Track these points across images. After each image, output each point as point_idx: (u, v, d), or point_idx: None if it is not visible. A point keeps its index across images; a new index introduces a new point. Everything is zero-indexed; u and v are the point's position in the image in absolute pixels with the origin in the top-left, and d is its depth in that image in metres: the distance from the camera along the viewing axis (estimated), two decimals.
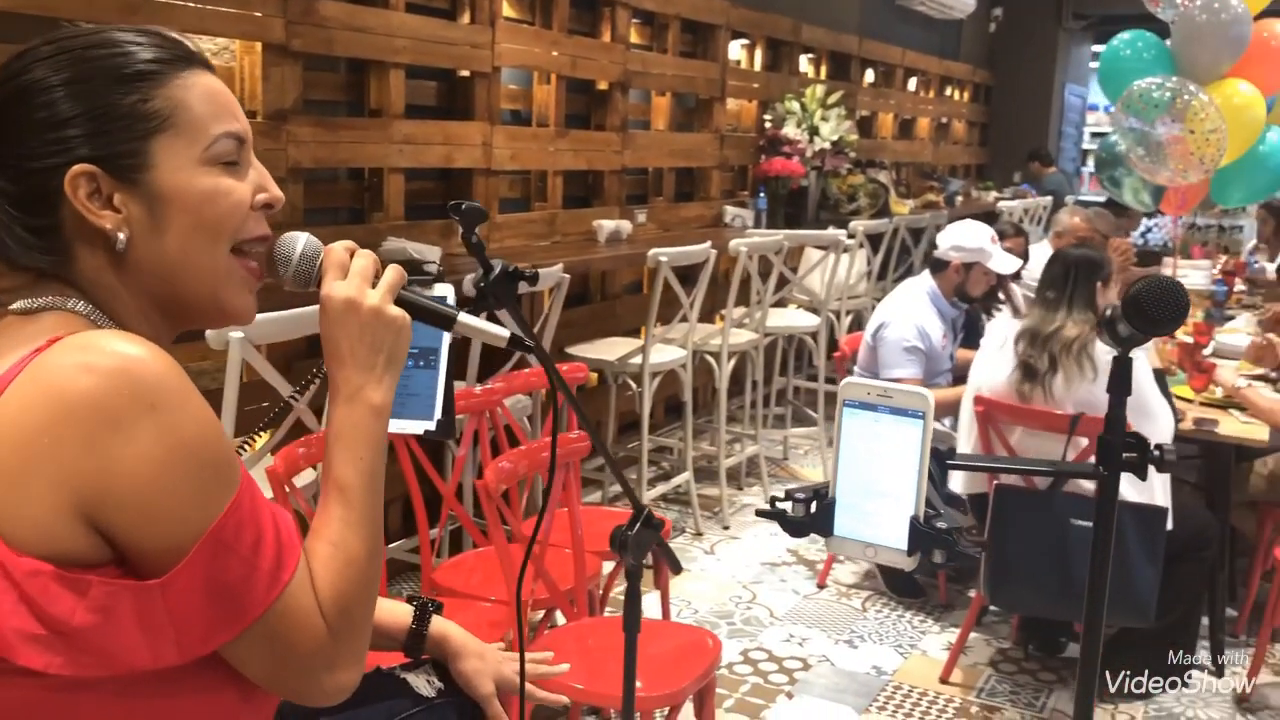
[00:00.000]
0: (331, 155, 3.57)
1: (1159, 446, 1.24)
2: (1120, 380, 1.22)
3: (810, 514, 1.10)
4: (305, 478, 2.41)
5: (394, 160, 3.80)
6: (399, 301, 1.09)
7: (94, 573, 0.86)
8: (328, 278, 1.07)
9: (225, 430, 0.95)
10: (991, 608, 3.46)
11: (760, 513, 1.17)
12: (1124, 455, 1.21)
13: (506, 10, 4.37)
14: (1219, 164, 4.29)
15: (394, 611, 1.36)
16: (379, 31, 3.68)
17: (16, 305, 0.96)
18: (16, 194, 0.95)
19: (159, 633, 0.87)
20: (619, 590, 3.41)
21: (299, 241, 1.09)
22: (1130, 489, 2.88)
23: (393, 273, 1.10)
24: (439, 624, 1.36)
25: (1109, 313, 1.26)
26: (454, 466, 3.03)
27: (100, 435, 0.85)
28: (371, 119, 3.77)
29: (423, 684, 1.29)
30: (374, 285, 1.08)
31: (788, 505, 1.12)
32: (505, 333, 1.22)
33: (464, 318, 1.16)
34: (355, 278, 1.07)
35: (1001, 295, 4.26)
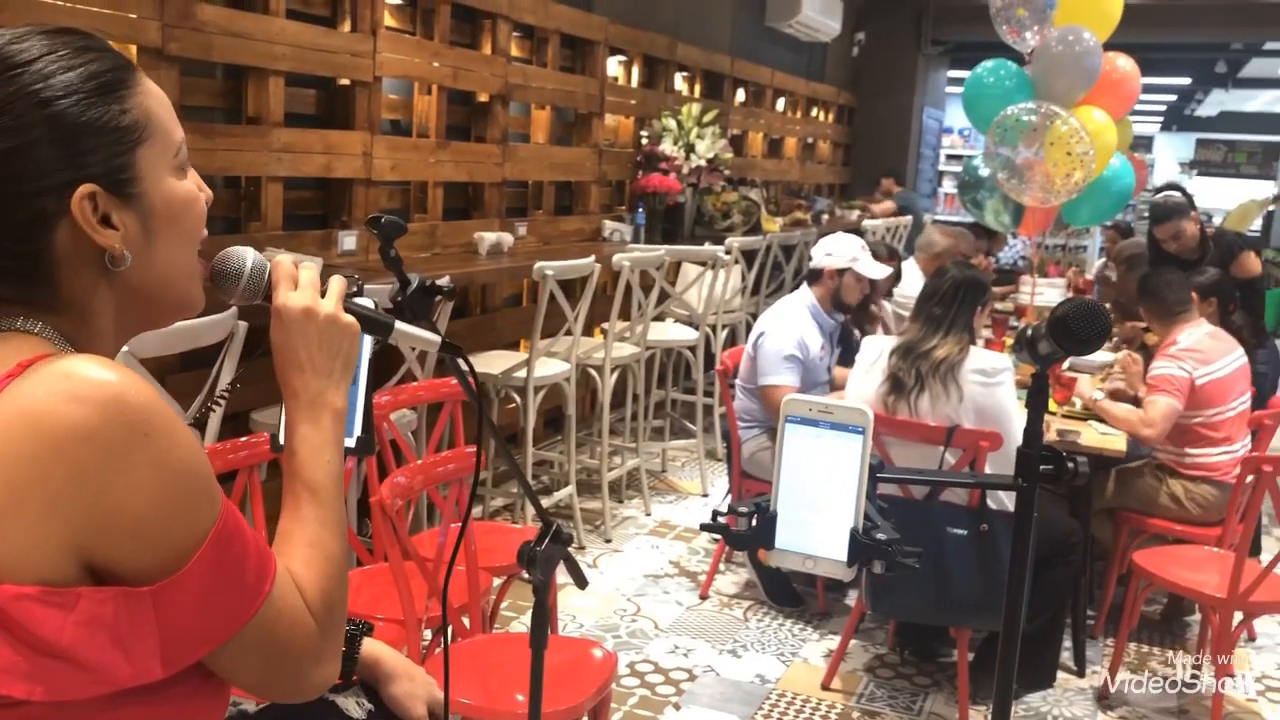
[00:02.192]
0: (208, 163, 3.46)
1: (1074, 460, 1.31)
2: (1038, 396, 1.29)
3: (752, 527, 1.13)
4: None
5: (272, 169, 3.71)
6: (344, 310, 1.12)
7: (80, 587, 0.83)
8: (281, 288, 1.09)
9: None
10: (869, 615, 3.57)
11: (704, 526, 1.20)
12: (1041, 468, 1.28)
13: (388, 20, 4.32)
14: (1085, 185, 4.54)
15: None
16: (259, 38, 3.60)
17: None
18: (3, 222, 0.91)
19: (144, 644, 0.85)
20: (506, 606, 3.40)
21: (247, 257, 1.10)
22: (1003, 498, 3.02)
23: (338, 282, 1.13)
24: (369, 646, 1.34)
25: (1029, 332, 1.33)
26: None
27: (94, 468, 0.82)
28: (249, 126, 3.67)
29: (352, 706, 1.27)
30: (323, 295, 1.10)
31: (731, 519, 1.15)
32: (437, 339, 1.23)
33: (400, 325, 1.20)
34: (308, 288, 1.09)
35: (874, 312, 4.41)
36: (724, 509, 1.19)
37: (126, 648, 0.84)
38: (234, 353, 2.67)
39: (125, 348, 2.19)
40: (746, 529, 1.13)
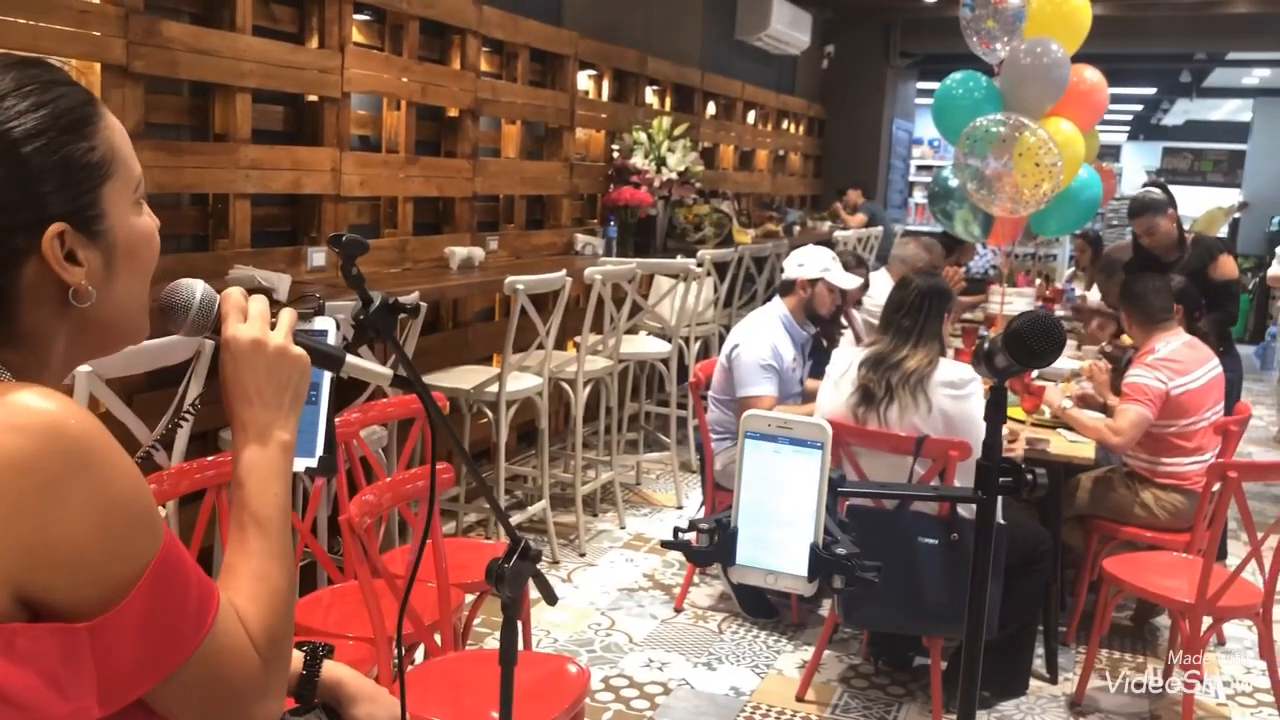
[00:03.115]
0: (175, 180, 3.45)
1: (1033, 471, 1.32)
2: (996, 410, 1.30)
3: (713, 543, 1.13)
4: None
5: (240, 186, 3.69)
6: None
7: (13, 624, 0.81)
8: (230, 321, 1.08)
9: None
10: (842, 626, 3.58)
11: (665, 543, 1.20)
12: (1001, 480, 1.29)
13: (356, 36, 4.31)
14: (1054, 196, 4.58)
15: None
16: (225, 55, 3.58)
17: None
18: None
19: (81, 683, 0.83)
20: (479, 622, 3.38)
21: (196, 289, 1.10)
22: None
23: (288, 314, 1.12)
24: (331, 668, 1.32)
25: (987, 345, 1.34)
26: (309, 500, 2.95)
27: (31, 499, 0.81)
28: (217, 143, 3.66)
29: None
30: (273, 327, 1.09)
31: (691, 536, 1.15)
32: (389, 373, 1.23)
33: (351, 359, 1.20)
34: (257, 319, 1.08)
35: (844, 321, 4.43)
36: (685, 525, 1.19)
37: (62, 686, 0.82)
38: (200, 371, 2.65)
39: (88, 367, 2.19)
40: (707, 545, 1.13)
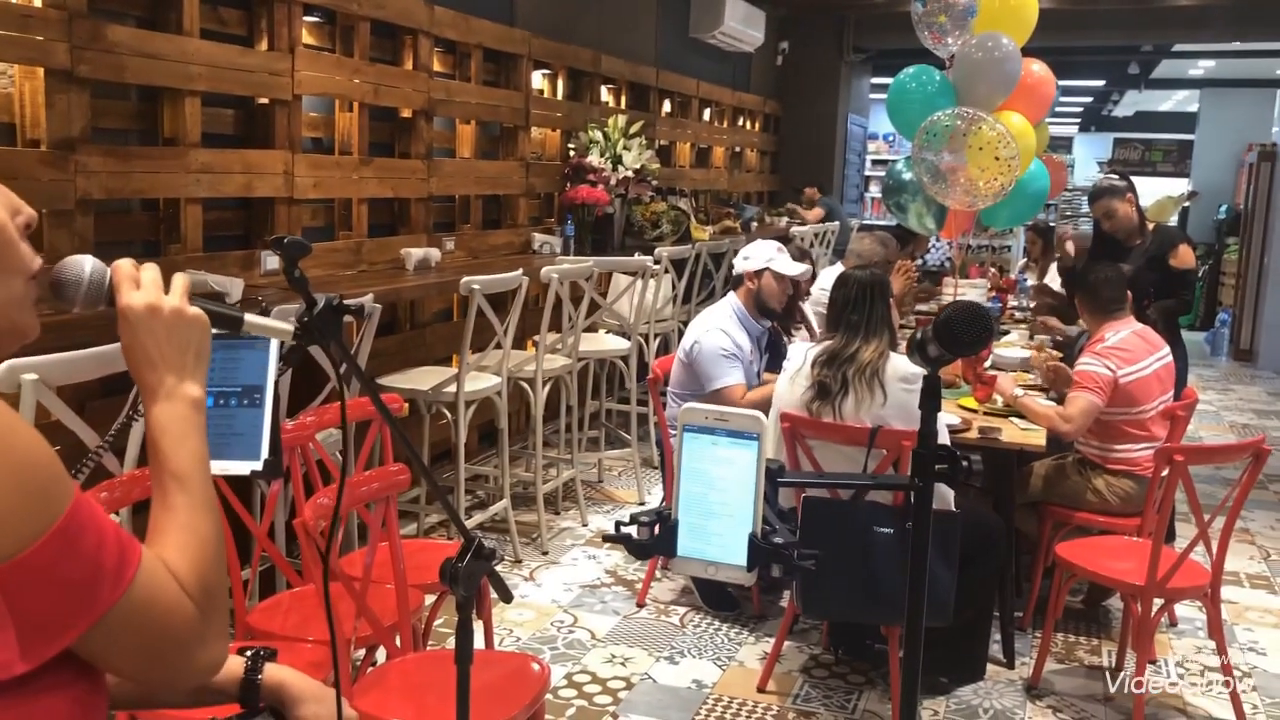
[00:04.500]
0: (124, 185, 3.41)
1: (966, 457, 1.35)
2: (929, 397, 1.33)
3: (654, 536, 1.15)
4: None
5: (191, 190, 3.67)
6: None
7: None
8: (123, 289, 1.10)
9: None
10: (803, 616, 3.61)
11: (607, 537, 1.21)
12: (936, 467, 1.32)
13: (306, 37, 4.29)
14: (1010, 188, 4.63)
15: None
16: (172, 58, 3.55)
17: None
18: None
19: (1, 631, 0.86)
20: (440, 623, 3.38)
21: (85, 264, 1.11)
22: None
23: (182, 278, 1.15)
24: (274, 670, 1.33)
25: (919, 335, 1.37)
26: (265, 505, 2.94)
27: None
28: (166, 148, 3.63)
29: None
30: (167, 291, 1.12)
31: (632, 529, 1.17)
32: (289, 328, 1.24)
33: (250, 318, 1.22)
34: (150, 286, 1.11)
35: (798, 316, 4.47)
36: (627, 519, 1.21)
37: None
38: None
39: (33, 375, 2.16)
40: (648, 538, 1.15)
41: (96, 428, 2.54)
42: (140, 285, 1.10)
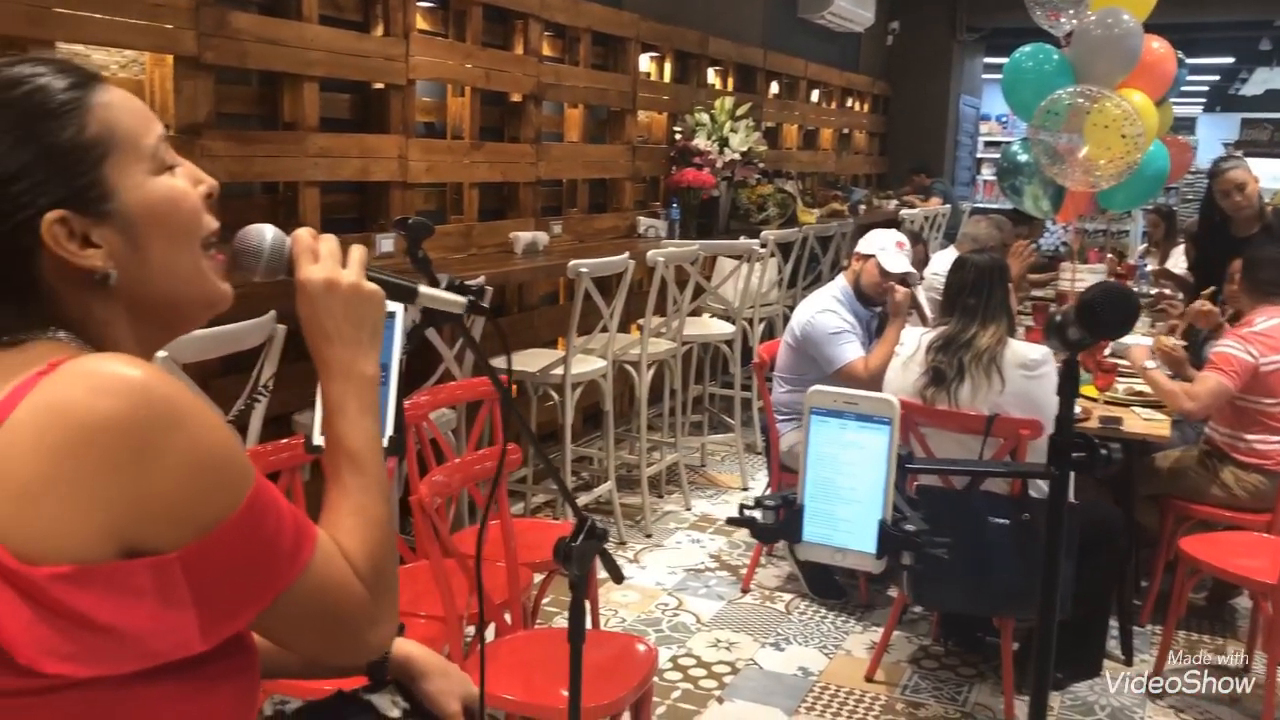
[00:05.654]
0: (246, 169, 3.51)
1: (1106, 446, 1.30)
2: (1068, 383, 1.28)
3: (779, 520, 1.13)
4: None
5: (309, 174, 3.75)
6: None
7: (113, 562, 0.85)
8: (301, 262, 1.09)
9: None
10: (911, 606, 3.55)
11: (731, 520, 1.20)
12: (1074, 455, 1.27)
13: (420, 23, 4.35)
14: (1134, 168, 4.46)
15: None
16: (292, 44, 3.64)
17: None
18: None
19: (180, 613, 0.87)
20: (547, 601, 3.42)
21: (266, 233, 1.10)
22: (1045, 486, 2.99)
23: (359, 250, 1.13)
24: (401, 644, 1.35)
25: (1058, 318, 1.32)
26: None
27: (128, 459, 0.84)
28: (286, 132, 3.72)
29: (388, 705, 1.29)
30: (344, 265, 1.10)
31: (757, 513, 1.15)
32: (464, 300, 1.24)
33: (424, 290, 1.20)
34: (328, 259, 1.10)
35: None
36: (751, 503, 1.19)
37: (163, 617, 0.86)
38: (274, 354, 2.71)
39: (163, 353, 2.23)
40: (774, 522, 1.13)
41: (219, 404, 2.62)
42: (318, 258, 1.09)
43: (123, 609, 0.85)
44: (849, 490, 1.11)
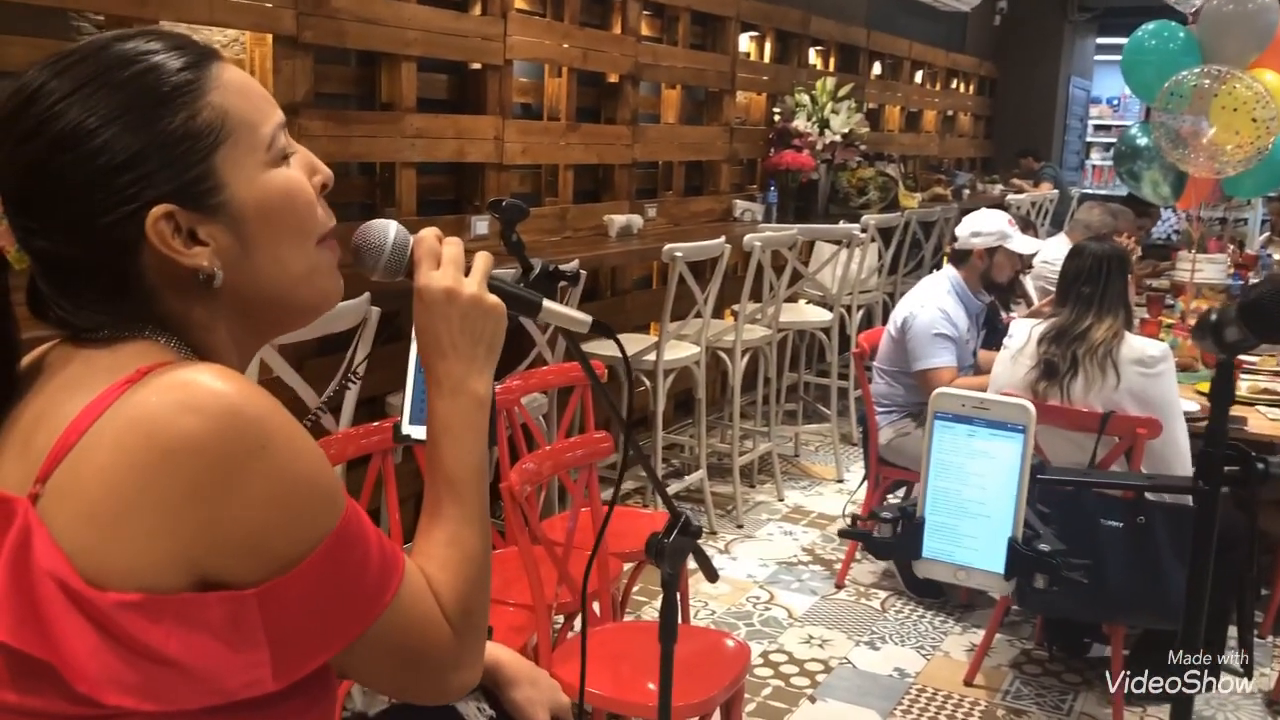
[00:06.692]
0: (343, 149, 3.51)
1: (1262, 459, 1.18)
2: (1222, 389, 1.16)
3: (896, 535, 1.04)
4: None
5: (406, 154, 3.74)
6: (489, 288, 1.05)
7: (185, 594, 0.80)
8: (422, 267, 1.01)
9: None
10: (1013, 608, 3.42)
11: (843, 533, 1.12)
12: (1225, 468, 1.16)
13: (518, 2, 4.30)
14: (1266, 153, 4.22)
15: None
16: (390, 23, 3.62)
17: (90, 334, 0.88)
18: (82, 256, 0.86)
19: (253, 652, 0.81)
20: (637, 590, 3.37)
21: (390, 231, 1.03)
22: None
23: (484, 259, 1.05)
24: (490, 650, 1.30)
25: (1214, 316, 1.20)
26: None
27: (209, 482, 0.79)
28: (383, 113, 3.71)
29: (473, 712, 1.24)
30: (467, 273, 1.03)
31: (873, 526, 1.07)
32: (587, 319, 1.17)
33: (548, 305, 1.13)
34: (450, 266, 1.02)
35: (1018, 290, 4.22)
36: (856, 507, 1.11)
37: (234, 655, 0.81)
38: (367, 336, 2.69)
39: None
40: (890, 536, 1.04)
41: (313, 385, 2.61)
42: (440, 264, 1.01)
43: (192, 643, 0.79)
44: (975, 504, 1.01)
